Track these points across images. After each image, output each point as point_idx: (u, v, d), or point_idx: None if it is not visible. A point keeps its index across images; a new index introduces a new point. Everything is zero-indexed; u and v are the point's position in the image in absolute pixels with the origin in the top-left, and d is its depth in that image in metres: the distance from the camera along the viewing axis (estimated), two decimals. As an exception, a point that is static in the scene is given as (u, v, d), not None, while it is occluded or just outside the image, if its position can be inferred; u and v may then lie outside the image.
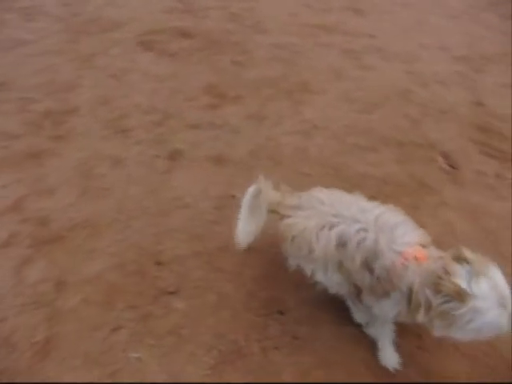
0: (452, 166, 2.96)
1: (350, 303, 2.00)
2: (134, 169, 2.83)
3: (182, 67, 3.95)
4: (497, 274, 1.44)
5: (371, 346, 1.94)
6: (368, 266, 1.67)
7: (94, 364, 1.87)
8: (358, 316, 2.01)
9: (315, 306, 2.11)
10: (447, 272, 1.43)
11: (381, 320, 1.85)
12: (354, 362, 1.91)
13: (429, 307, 1.47)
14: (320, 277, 1.90)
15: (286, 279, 2.21)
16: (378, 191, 2.70)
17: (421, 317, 1.50)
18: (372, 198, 2.64)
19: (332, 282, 1.88)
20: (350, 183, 2.74)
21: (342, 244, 1.72)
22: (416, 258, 1.57)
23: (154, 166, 2.85)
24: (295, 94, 3.59)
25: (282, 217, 1.92)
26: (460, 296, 1.38)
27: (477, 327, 1.41)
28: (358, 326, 2.01)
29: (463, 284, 1.38)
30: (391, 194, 2.69)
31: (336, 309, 2.09)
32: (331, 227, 1.74)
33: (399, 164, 2.95)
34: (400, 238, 1.64)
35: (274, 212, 1.98)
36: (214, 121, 3.25)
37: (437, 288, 1.44)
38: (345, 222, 1.73)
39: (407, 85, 3.88)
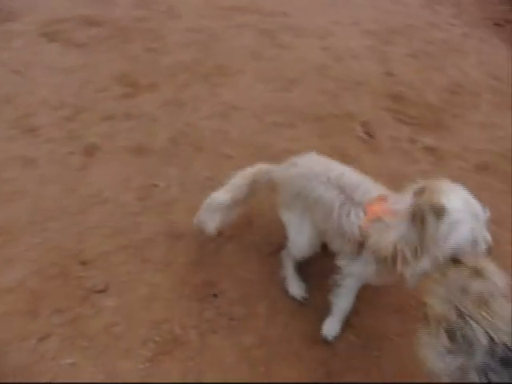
0: (369, 135, 3.09)
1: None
2: (47, 168, 2.65)
3: (90, 57, 3.75)
4: (464, 193, 1.55)
5: (307, 317, 2.00)
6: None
7: (25, 376, 1.76)
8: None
9: (249, 285, 2.13)
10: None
11: (348, 287, 1.88)
12: (292, 335, 1.95)
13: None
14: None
15: (218, 262, 2.21)
16: (301, 166, 2.75)
17: (399, 267, 1.55)
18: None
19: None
20: (273, 161, 2.76)
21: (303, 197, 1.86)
22: (379, 216, 1.62)
23: (69, 163, 2.69)
24: (212, 77, 3.54)
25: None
26: (439, 212, 1.44)
27: (455, 241, 1.46)
28: (293, 299, 2.07)
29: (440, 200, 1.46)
30: (314, 168, 2.75)
31: (270, 285, 2.13)
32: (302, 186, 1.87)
33: (319, 138, 3.02)
34: (361, 197, 1.71)
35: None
36: (129, 111, 3.12)
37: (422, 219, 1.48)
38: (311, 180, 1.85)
39: (323, 60, 3.96)
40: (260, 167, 2.15)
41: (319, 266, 2.13)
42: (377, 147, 3.01)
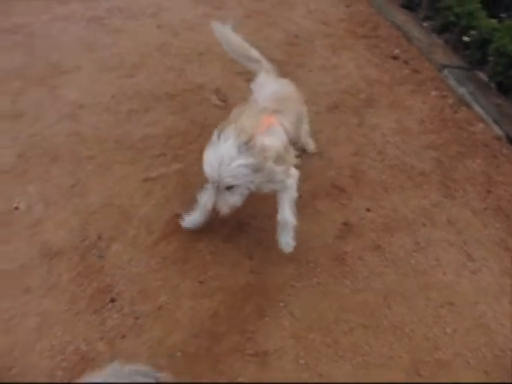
0: (223, 101, 3.13)
1: None
2: None
3: None
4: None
5: (210, 295, 2.03)
6: None
7: None
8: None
9: (144, 279, 2.09)
10: None
11: None
12: (195, 312, 1.98)
13: None
14: None
15: (106, 267, 2.12)
16: (166, 146, 2.72)
17: None
18: (162, 155, 2.68)
19: None
20: (137, 149, 2.70)
21: None
22: None
23: None
24: (48, 79, 3.24)
25: None
26: None
27: None
28: (193, 281, 2.08)
29: None
30: (179, 145, 2.74)
31: (166, 273, 2.11)
32: None
33: (177, 115, 2.99)
34: None
35: None
36: (-40, 136, 2.76)
37: None
38: None
39: (161, 38, 3.87)
40: None
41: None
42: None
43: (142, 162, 2.62)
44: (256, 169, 1.77)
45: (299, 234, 2.25)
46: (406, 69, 3.71)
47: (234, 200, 1.82)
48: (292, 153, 2.11)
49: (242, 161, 1.71)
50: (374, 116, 3.16)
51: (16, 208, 2.33)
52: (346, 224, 2.40)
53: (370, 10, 4.60)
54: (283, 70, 3.53)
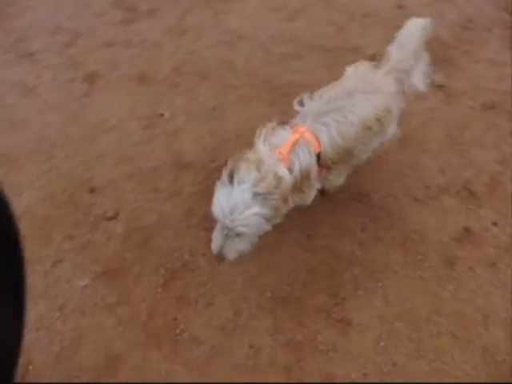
0: (377, 69, 3.01)
1: None
2: (49, 95, 2.59)
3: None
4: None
5: (312, 250, 2.05)
6: None
7: (40, 298, 1.83)
8: None
9: (255, 215, 2.15)
10: None
11: None
12: (295, 262, 2.01)
13: None
14: None
15: (225, 193, 2.22)
16: (308, 98, 2.71)
17: None
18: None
19: None
20: (280, 92, 2.72)
21: None
22: None
23: (71, 91, 2.62)
24: (215, 3, 3.37)
25: None
26: None
27: None
28: (298, 231, 2.10)
29: None
30: (321, 101, 2.71)
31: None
32: None
33: (327, 69, 2.94)
34: None
35: None
36: (130, 37, 3.00)
37: None
38: None
39: (329, -10, 3.77)
40: None
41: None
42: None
43: (280, 106, 2.64)
44: (269, 218, 1.59)
45: (417, 223, 2.16)
46: None
47: (243, 247, 1.65)
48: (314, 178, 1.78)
49: (256, 209, 1.50)
50: (531, 127, 2.85)
51: (161, 115, 2.51)
52: (466, 229, 2.24)
53: None
54: (447, 53, 3.29)
